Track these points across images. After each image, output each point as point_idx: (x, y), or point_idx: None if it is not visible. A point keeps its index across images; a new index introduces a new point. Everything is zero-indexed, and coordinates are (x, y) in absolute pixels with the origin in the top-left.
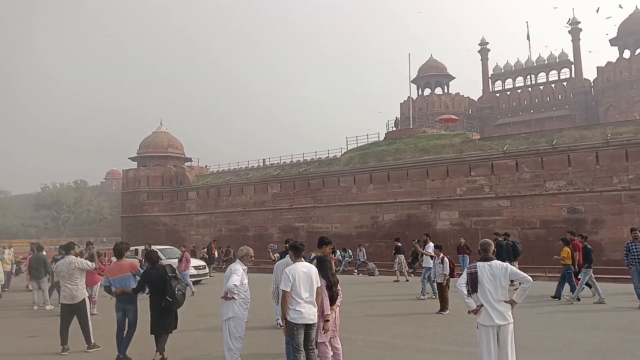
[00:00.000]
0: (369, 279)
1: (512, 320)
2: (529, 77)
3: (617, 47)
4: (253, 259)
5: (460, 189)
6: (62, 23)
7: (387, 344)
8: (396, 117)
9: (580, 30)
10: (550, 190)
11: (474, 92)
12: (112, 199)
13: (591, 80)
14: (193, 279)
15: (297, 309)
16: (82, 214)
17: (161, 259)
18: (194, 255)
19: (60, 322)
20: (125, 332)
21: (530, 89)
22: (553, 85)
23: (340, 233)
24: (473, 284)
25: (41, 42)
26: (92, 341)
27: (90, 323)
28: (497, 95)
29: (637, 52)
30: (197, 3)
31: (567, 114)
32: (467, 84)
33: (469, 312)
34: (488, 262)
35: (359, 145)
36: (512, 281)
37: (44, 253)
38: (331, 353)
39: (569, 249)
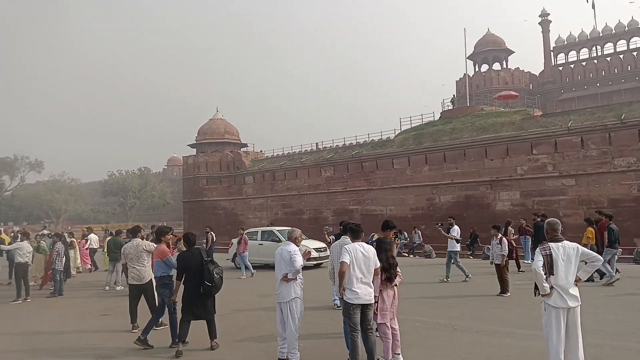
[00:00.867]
0: (425, 261)
1: (580, 302)
2: (594, 48)
3: None
4: (302, 238)
5: (521, 168)
6: (121, 12)
7: (445, 326)
8: (453, 95)
9: None
10: (619, 167)
11: (535, 66)
12: (174, 184)
13: None
14: (314, 262)
15: (353, 289)
16: (146, 200)
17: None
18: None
19: (129, 302)
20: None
21: (596, 61)
22: (621, 56)
23: (395, 215)
24: (549, 266)
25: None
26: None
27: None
28: (560, 69)
29: None
30: None
31: (637, 86)
32: (528, 58)
33: (542, 295)
34: (560, 243)
35: (413, 125)
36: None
37: (121, 237)
38: (391, 333)
39: (593, 230)
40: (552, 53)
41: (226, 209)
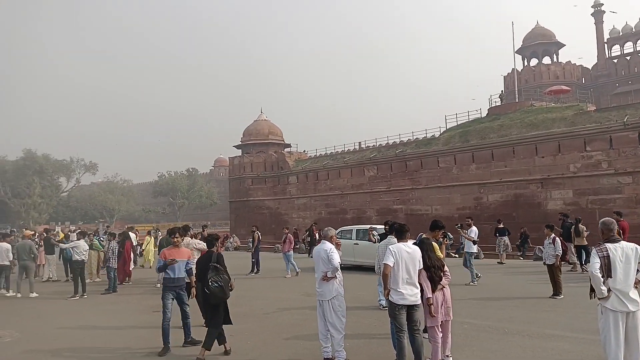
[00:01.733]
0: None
1: None
2: None
3: None
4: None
5: (574, 166)
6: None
7: (495, 328)
8: (501, 91)
9: None
10: None
11: (588, 59)
12: (220, 185)
13: None
14: None
15: (398, 289)
16: (194, 200)
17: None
18: (296, 237)
19: None
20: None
21: None
22: None
23: (440, 215)
24: (607, 268)
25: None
26: None
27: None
28: (615, 61)
29: None
30: None
31: None
32: (580, 51)
33: (599, 298)
34: (618, 243)
35: (459, 123)
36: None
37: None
38: (441, 336)
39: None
40: (606, 45)
41: (271, 208)
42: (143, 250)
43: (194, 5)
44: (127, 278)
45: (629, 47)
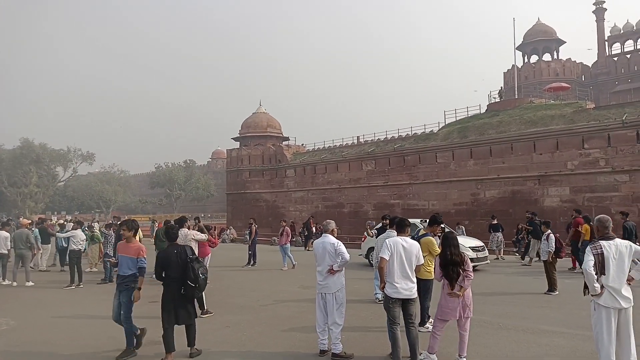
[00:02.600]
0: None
1: (633, 303)
2: None
3: None
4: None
5: (572, 163)
6: (174, 3)
7: (490, 323)
8: (500, 87)
9: None
10: None
11: (588, 57)
12: (217, 177)
13: None
14: (473, 263)
15: (393, 283)
16: (191, 191)
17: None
18: (293, 230)
19: None
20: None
21: None
22: None
23: (437, 210)
24: (600, 266)
25: (154, 29)
26: (205, 307)
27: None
28: (615, 59)
29: None
30: None
31: None
32: (580, 48)
33: (592, 295)
34: (612, 241)
35: (458, 119)
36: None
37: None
38: (441, 335)
39: (589, 227)
40: (606, 43)
41: (268, 201)
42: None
43: None
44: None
45: (629, 46)
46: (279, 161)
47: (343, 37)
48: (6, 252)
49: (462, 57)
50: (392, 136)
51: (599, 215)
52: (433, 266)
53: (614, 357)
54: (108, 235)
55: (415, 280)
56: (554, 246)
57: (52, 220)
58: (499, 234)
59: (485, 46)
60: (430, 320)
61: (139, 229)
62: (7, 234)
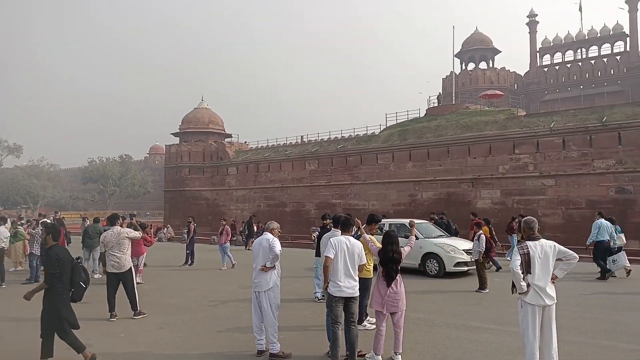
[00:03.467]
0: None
1: (556, 300)
2: (579, 51)
3: None
4: (280, 233)
5: (503, 167)
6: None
7: (424, 320)
8: (439, 93)
9: None
10: (598, 169)
11: (521, 66)
12: (155, 173)
13: None
14: (467, 268)
15: (337, 282)
16: (127, 188)
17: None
18: (233, 229)
19: (107, 290)
20: None
21: (580, 64)
22: (605, 60)
23: (377, 210)
24: (526, 265)
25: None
26: (138, 308)
27: (136, 291)
28: (545, 70)
29: None
30: None
31: (619, 90)
32: (514, 58)
33: (519, 293)
34: (538, 241)
35: (398, 121)
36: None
37: (101, 224)
38: (384, 332)
39: (488, 229)
40: (538, 54)
41: (208, 199)
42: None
43: None
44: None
45: (558, 58)
46: (221, 158)
47: (287, 37)
48: None
49: (407, 59)
50: (336, 137)
51: (526, 217)
52: (372, 265)
53: (537, 352)
54: (35, 233)
55: (357, 278)
56: (484, 246)
57: None
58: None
59: (429, 50)
60: (369, 318)
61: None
62: None
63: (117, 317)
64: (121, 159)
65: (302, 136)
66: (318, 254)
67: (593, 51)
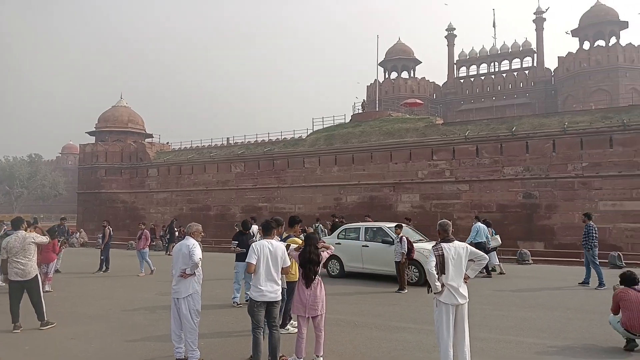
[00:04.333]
0: None
1: (468, 299)
2: (492, 64)
3: (577, 38)
4: (202, 235)
5: (422, 173)
6: None
7: (346, 322)
8: (363, 100)
9: (544, 19)
10: (508, 175)
11: (440, 77)
12: (68, 174)
13: (552, 70)
14: None
15: (259, 286)
16: (36, 189)
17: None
18: (153, 234)
19: (10, 300)
20: None
21: (493, 76)
22: (515, 74)
23: (303, 214)
24: (441, 266)
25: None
26: (46, 318)
27: (43, 300)
28: (462, 81)
29: (595, 44)
30: None
31: (527, 102)
32: (433, 69)
33: (434, 293)
34: (452, 243)
35: (325, 126)
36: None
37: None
38: (305, 335)
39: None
40: (455, 66)
41: (126, 202)
42: None
43: None
44: None
45: (473, 70)
46: (140, 159)
47: (213, 37)
48: None
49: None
50: (263, 140)
51: (440, 220)
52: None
53: (451, 349)
54: None
55: (280, 282)
56: (407, 248)
57: None
58: None
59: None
60: (292, 322)
61: None
62: None
63: (21, 328)
64: (30, 159)
65: (228, 138)
66: (238, 259)
67: (505, 65)
